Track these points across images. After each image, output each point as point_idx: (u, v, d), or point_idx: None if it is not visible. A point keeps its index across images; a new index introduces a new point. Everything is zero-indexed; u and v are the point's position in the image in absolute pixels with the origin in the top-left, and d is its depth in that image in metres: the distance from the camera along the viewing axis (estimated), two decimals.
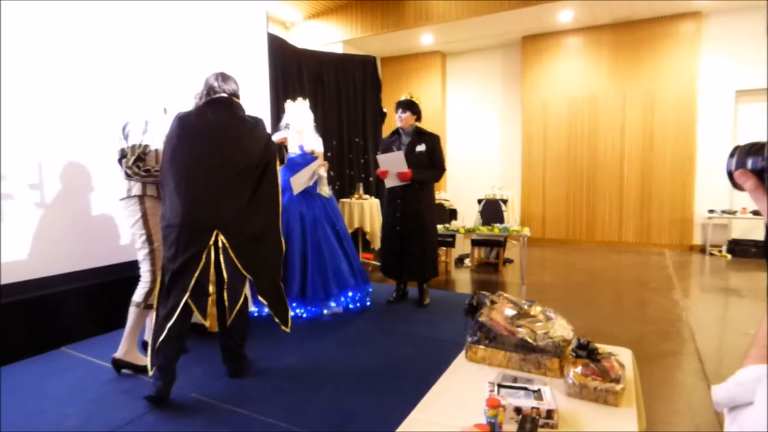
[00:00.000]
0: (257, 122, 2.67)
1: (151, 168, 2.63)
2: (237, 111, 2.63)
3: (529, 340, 1.75)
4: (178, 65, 4.23)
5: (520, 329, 1.81)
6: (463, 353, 1.92)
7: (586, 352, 1.60)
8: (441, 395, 1.62)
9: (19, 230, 3.17)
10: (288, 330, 2.81)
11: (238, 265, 2.47)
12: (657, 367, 3.10)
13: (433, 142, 4.15)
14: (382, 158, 4.07)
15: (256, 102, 5.25)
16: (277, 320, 2.78)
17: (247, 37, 5.19)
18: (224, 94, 2.62)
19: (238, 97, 2.71)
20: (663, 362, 3.21)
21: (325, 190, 4.08)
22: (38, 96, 3.29)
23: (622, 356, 1.85)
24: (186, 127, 2.47)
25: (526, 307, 2.04)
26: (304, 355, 3.16)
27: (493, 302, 1.99)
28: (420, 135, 4.15)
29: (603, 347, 1.79)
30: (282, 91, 5.98)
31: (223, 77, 2.67)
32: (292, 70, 6.48)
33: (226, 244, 2.43)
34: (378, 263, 4.90)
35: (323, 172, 4.05)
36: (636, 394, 1.63)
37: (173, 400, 2.47)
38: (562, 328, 1.85)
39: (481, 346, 1.84)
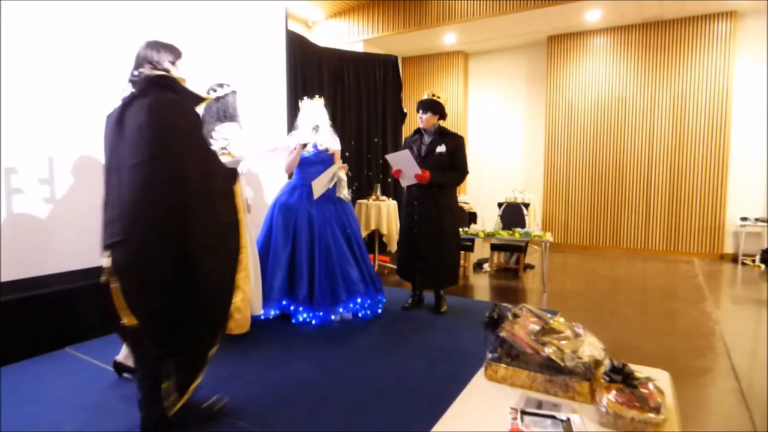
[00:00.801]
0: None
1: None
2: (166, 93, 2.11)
3: (556, 360, 1.59)
4: (196, 63, 4.14)
5: (545, 347, 1.65)
6: (482, 371, 1.76)
7: (622, 376, 1.43)
8: (457, 420, 1.47)
9: (27, 225, 3.11)
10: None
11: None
12: (690, 386, 2.89)
13: (456, 143, 3.95)
14: (390, 157, 3.92)
15: (273, 99, 5.15)
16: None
17: (266, 34, 5.10)
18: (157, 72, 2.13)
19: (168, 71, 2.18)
20: (696, 380, 3.00)
21: (345, 194, 3.94)
22: (49, 90, 3.23)
23: (660, 380, 1.68)
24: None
25: (551, 321, 1.88)
26: (311, 363, 3.02)
27: (515, 315, 1.83)
28: (442, 135, 3.96)
29: (638, 369, 1.62)
30: (301, 89, 5.87)
31: (155, 46, 2.19)
32: (313, 68, 6.37)
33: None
34: (394, 266, 4.76)
35: (343, 174, 3.92)
36: (677, 424, 1.46)
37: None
38: (592, 347, 1.68)
39: (503, 365, 1.69)
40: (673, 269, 6.35)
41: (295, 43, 5.86)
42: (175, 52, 2.25)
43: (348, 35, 7.91)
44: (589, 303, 4.71)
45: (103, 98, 3.51)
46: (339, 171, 3.86)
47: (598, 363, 1.62)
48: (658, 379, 1.63)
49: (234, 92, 3.41)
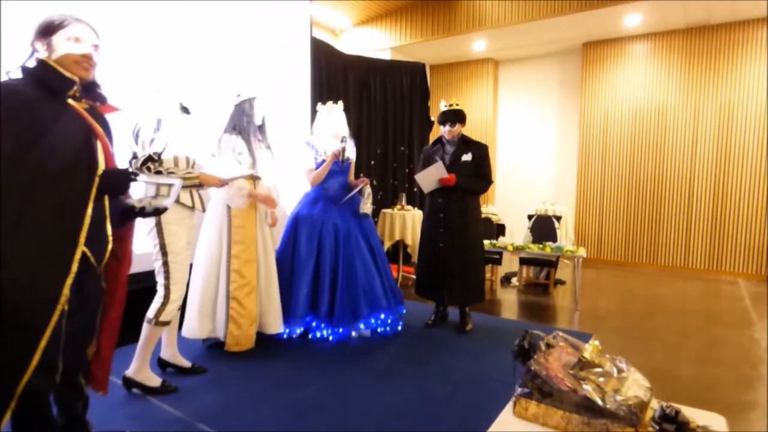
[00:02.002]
0: None
1: (164, 170, 2.42)
2: None
3: (596, 400, 1.39)
4: (220, 71, 4.08)
5: (583, 384, 1.46)
6: (510, 406, 1.57)
7: (675, 426, 1.23)
8: None
9: None
10: None
11: None
12: (738, 422, 2.62)
13: (481, 151, 3.81)
14: (421, 177, 3.71)
15: (297, 108, 5.06)
16: None
17: (290, 42, 5.01)
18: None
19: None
20: (745, 416, 2.73)
21: (368, 207, 3.77)
22: None
23: (713, 424, 1.46)
24: None
25: (588, 349, 1.68)
26: (327, 383, 2.86)
27: (549, 345, 1.63)
28: (467, 144, 3.81)
29: (687, 411, 1.41)
30: (326, 97, 5.77)
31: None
32: (338, 76, 6.28)
33: None
34: None
35: (368, 188, 3.77)
36: None
37: None
38: (636, 386, 1.48)
39: (534, 401, 1.49)
40: (715, 290, 5.98)
41: (320, 51, 5.77)
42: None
43: (375, 43, 7.79)
44: (624, 325, 4.43)
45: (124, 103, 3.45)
46: (365, 186, 3.71)
47: (643, 405, 1.42)
48: (711, 424, 1.42)
49: (249, 100, 3.24)
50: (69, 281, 1.62)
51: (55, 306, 1.60)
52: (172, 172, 2.36)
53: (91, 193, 1.67)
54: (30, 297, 1.56)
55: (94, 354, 1.99)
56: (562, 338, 1.69)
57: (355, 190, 3.67)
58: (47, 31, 1.68)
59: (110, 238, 1.81)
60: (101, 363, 2.04)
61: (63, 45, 1.68)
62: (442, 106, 3.84)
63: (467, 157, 3.75)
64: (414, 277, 5.88)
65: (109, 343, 2.05)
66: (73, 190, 1.64)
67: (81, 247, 1.65)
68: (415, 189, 6.67)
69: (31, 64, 1.68)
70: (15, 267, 1.53)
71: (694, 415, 1.43)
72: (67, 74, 1.68)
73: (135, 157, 2.43)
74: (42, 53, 1.69)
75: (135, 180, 1.81)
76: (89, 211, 1.66)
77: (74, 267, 1.63)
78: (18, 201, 1.53)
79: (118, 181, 1.77)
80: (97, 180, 1.68)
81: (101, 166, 1.72)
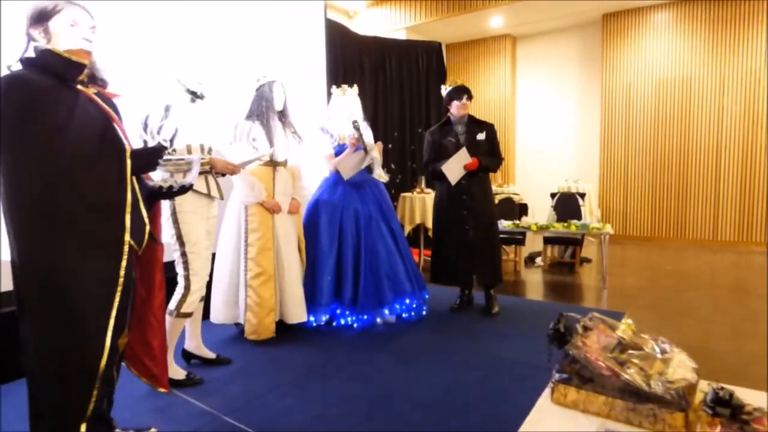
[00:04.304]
0: None
1: (172, 154, 2.37)
2: None
3: (641, 384, 1.32)
4: (234, 56, 4.02)
5: (625, 367, 1.39)
6: (547, 392, 1.51)
7: (730, 409, 1.15)
8: None
9: None
10: None
11: None
12: None
13: (492, 130, 3.83)
14: (447, 168, 3.61)
15: (313, 91, 4.99)
16: None
17: (305, 24, 4.93)
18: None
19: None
20: None
21: (381, 174, 3.67)
22: None
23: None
24: None
25: (627, 331, 1.60)
26: (354, 371, 2.82)
27: (586, 328, 1.56)
28: (477, 123, 3.81)
29: (744, 395, 1.33)
30: (342, 79, 5.68)
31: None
32: (353, 57, 6.18)
33: None
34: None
35: (377, 153, 3.63)
36: None
37: (204, 425, 2.21)
38: (682, 367, 1.40)
39: (573, 387, 1.43)
40: (746, 262, 5.81)
41: (335, 33, 5.67)
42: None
43: (390, 23, 7.65)
44: (654, 302, 4.31)
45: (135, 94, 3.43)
46: (372, 150, 3.58)
47: (692, 387, 1.34)
48: (765, 405, 1.34)
49: (268, 84, 3.19)
50: (124, 263, 1.63)
51: (116, 288, 1.62)
52: (182, 160, 2.31)
53: (127, 174, 1.64)
54: (90, 281, 1.58)
55: (148, 351, 2.00)
56: (599, 319, 1.62)
57: (367, 160, 3.54)
58: (42, 17, 1.63)
59: (147, 220, 1.78)
60: (157, 361, 2.05)
61: (61, 30, 1.63)
62: (445, 90, 3.82)
63: (482, 136, 3.75)
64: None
65: (160, 338, 2.05)
66: (109, 173, 1.62)
67: (128, 230, 1.64)
68: None
69: (31, 54, 1.64)
70: (69, 252, 1.55)
71: (744, 395, 1.35)
72: (75, 59, 1.63)
73: (145, 145, 2.40)
74: (40, 41, 1.63)
75: (162, 157, 1.79)
76: (129, 193, 1.64)
77: (125, 249, 1.63)
78: (60, 188, 1.53)
79: (148, 159, 1.75)
80: (129, 161, 1.65)
81: (128, 147, 1.69)
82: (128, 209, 1.64)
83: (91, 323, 1.59)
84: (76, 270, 1.56)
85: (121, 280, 1.63)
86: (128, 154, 1.66)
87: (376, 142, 3.66)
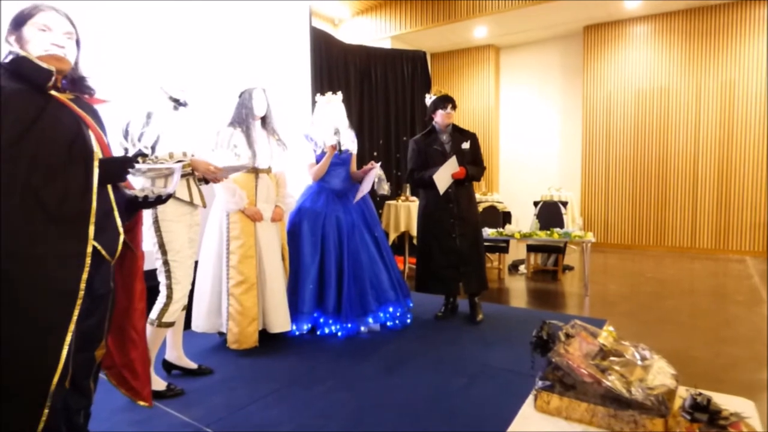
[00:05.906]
0: None
1: (154, 161, 2.34)
2: None
3: (622, 391, 1.34)
4: (219, 63, 4.01)
5: (606, 374, 1.41)
6: (530, 400, 1.52)
7: (707, 415, 1.18)
8: None
9: None
10: None
11: None
12: (758, 402, 2.57)
13: (475, 139, 3.92)
14: (438, 177, 3.60)
15: (297, 98, 4.99)
16: None
17: (289, 33, 4.94)
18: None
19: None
20: (765, 396, 2.68)
21: (385, 187, 3.70)
22: None
23: (745, 411, 1.41)
24: None
25: (608, 338, 1.63)
26: (338, 380, 2.81)
27: (568, 335, 1.58)
28: (461, 132, 3.89)
29: (722, 401, 1.36)
30: (327, 87, 5.70)
31: None
32: (339, 65, 6.20)
33: None
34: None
35: (377, 170, 3.68)
36: None
37: None
38: (662, 374, 1.43)
39: (556, 395, 1.45)
40: (723, 269, 5.93)
41: (320, 41, 5.70)
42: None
43: (375, 32, 7.70)
44: (635, 308, 4.38)
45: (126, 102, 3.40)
46: (377, 169, 3.63)
47: (671, 393, 1.37)
48: (743, 411, 1.37)
49: (248, 91, 3.18)
50: (84, 275, 1.57)
51: (74, 301, 1.55)
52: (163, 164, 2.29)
53: (93, 183, 1.59)
54: (47, 293, 1.51)
55: (127, 363, 1.96)
56: (581, 327, 1.65)
57: (368, 179, 3.58)
58: (18, 23, 1.61)
59: (121, 230, 1.74)
60: (136, 373, 2.01)
61: (31, 35, 1.60)
62: (429, 99, 3.86)
63: (466, 145, 3.81)
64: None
65: (141, 349, 2.01)
66: (74, 181, 1.57)
67: (91, 241, 1.58)
68: None
69: (8, 60, 1.62)
70: (26, 264, 1.48)
71: (722, 401, 1.38)
72: (43, 64, 1.60)
73: (125, 153, 2.38)
74: (14, 47, 1.61)
75: (133, 166, 1.75)
76: (94, 202, 1.59)
77: (87, 260, 1.57)
78: (19, 197, 1.47)
79: (117, 168, 1.69)
80: (96, 169, 1.60)
81: (97, 154, 1.64)
82: (92, 219, 1.58)
83: (45, 336, 1.52)
84: (35, 282, 1.50)
85: (81, 293, 1.56)
86: (96, 162, 1.62)
87: (369, 161, 3.69)
